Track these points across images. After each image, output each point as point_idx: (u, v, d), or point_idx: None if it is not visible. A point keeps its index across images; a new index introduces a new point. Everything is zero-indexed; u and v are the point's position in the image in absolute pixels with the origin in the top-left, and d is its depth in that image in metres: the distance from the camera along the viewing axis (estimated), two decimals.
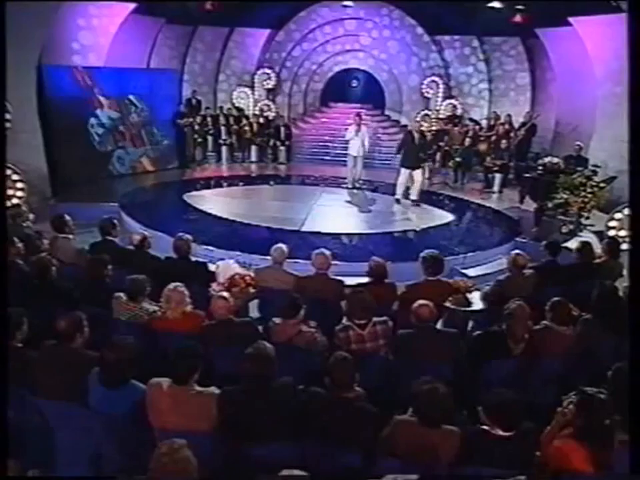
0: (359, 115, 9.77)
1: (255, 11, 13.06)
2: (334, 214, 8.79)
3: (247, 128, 12.19)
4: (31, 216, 6.69)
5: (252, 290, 4.79)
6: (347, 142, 13.68)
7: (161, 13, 11.80)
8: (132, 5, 10.52)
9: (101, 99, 9.77)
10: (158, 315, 3.98)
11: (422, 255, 4.61)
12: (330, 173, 11.86)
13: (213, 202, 9.19)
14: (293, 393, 2.88)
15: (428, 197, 10.26)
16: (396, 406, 2.90)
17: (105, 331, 3.92)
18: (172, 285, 3.82)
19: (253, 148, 12.54)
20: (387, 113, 14.82)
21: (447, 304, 4.60)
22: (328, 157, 13.26)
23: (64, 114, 9.34)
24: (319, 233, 7.63)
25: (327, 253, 4.56)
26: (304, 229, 7.78)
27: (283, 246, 4.75)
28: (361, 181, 10.22)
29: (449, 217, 8.93)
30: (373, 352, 3.59)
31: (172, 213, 8.48)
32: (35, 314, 3.52)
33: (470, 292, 4.88)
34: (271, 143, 12.70)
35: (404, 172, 9.39)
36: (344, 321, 3.74)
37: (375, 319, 3.57)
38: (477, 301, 4.89)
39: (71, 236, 5.12)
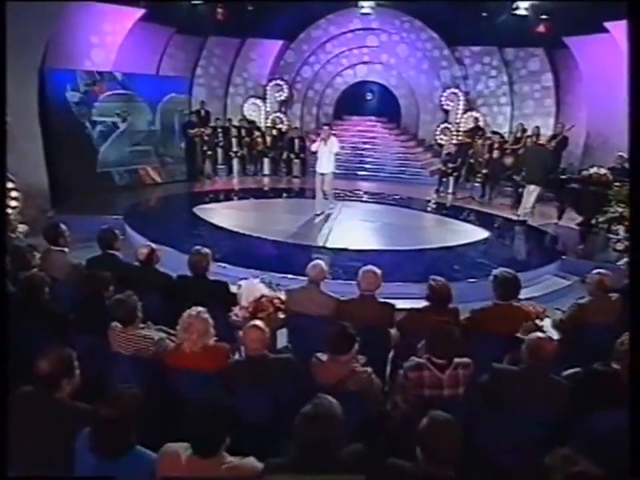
0: (328, 124, 9.01)
1: (267, 22, 12.49)
2: (358, 229, 7.98)
3: (259, 140, 11.47)
4: (22, 227, 5.92)
5: (281, 315, 3.95)
6: (361, 154, 13.43)
7: (171, 21, 11.22)
8: (141, 11, 9.94)
9: (106, 105, 9.05)
10: (169, 344, 3.14)
11: (493, 273, 3.78)
12: (348, 186, 11.11)
13: (225, 215, 8.40)
14: (366, 466, 2.02)
15: (456, 212, 9.49)
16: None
17: (102, 369, 3.08)
18: (193, 311, 2.98)
19: (266, 161, 11.81)
20: (403, 126, 14.16)
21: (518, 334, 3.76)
22: (343, 170, 12.50)
23: (66, 120, 8.64)
24: (345, 249, 6.81)
25: (377, 271, 3.72)
26: (329, 244, 6.94)
27: (322, 262, 3.92)
28: (330, 205, 8.37)
29: (482, 232, 8.11)
30: (450, 400, 2.73)
31: (181, 226, 7.68)
32: (20, 345, 2.71)
33: (541, 319, 4.05)
34: (284, 155, 11.97)
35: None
36: (413, 357, 2.87)
37: (456, 359, 2.72)
38: (548, 329, 4.07)
39: (66, 249, 4.31)
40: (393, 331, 3.87)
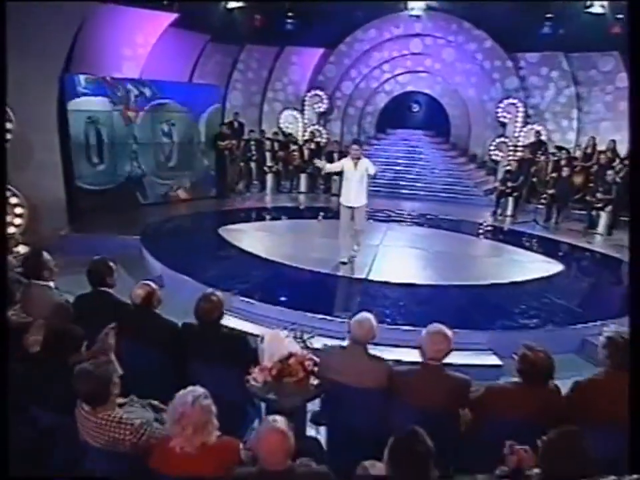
0: (358, 142, 6.50)
1: (307, 29, 11.86)
2: (406, 258, 6.98)
3: (295, 154, 10.69)
4: (22, 248, 5.27)
5: (314, 382, 3.02)
6: (407, 171, 12.44)
7: (205, 28, 10.72)
8: (173, 15, 9.44)
9: (132, 114, 8.50)
10: (155, 432, 2.28)
11: (606, 335, 2.75)
12: (392, 206, 10.16)
13: (255, 238, 7.60)
14: None
15: (517, 238, 8.35)
16: None
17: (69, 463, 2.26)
18: (189, 395, 2.10)
19: (302, 177, 11.01)
20: (452, 140, 13.13)
21: None
22: (387, 189, 11.59)
23: (88, 131, 8.09)
24: (391, 283, 5.84)
25: (448, 332, 2.76)
26: (372, 276, 5.99)
27: (370, 316, 2.97)
28: (355, 247, 6.32)
29: (552, 265, 6.93)
30: None
31: (203, 250, 6.88)
32: None
33: None
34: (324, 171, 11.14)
35: None
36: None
37: None
38: None
39: (51, 283, 3.55)
40: (464, 412, 2.88)
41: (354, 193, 5.78)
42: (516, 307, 5.38)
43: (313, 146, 11.39)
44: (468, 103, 12.55)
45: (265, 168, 10.78)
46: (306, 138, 11.90)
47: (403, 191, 11.46)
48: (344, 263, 6.09)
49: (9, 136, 5.47)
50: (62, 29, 7.18)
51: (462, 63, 12.15)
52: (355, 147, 5.89)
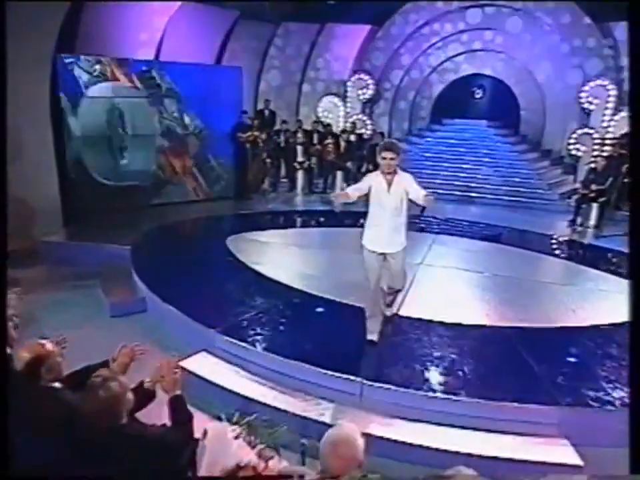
0: (390, 147, 3.74)
1: (352, 4, 10.71)
2: (453, 283, 5.68)
3: (330, 147, 9.56)
4: None
5: None
6: (464, 169, 10.94)
7: (235, 3, 9.81)
8: None
9: (138, 100, 7.69)
10: None
11: None
12: (442, 211, 8.82)
13: (272, 252, 6.53)
14: None
15: (601, 258, 6.80)
16: None
17: None
18: None
19: (339, 174, 9.87)
20: (522, 132, 11.52)
21: None
22: (440, 189, 10.23)
23: (85, 120, 7.37)
24: (427, 322, 4.61)
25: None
26: (404, 311, 4.77)
27: (352, 431, 1.83)
28: (388, 312, 4.55)
29: None
30: None
31: (203, 270, 5.82)
32: None
33: None
34: (364, 168, 9.93)
35: None
36: None
37: None
38: None
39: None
40: None
41: (387, 230, 3.74)
42: (602, 366, 4.02)
43: (353, 138, 10.21)
44: (543, 85, 10.90)
45: (295, 164, 9.72)
46: (343, 128, 10.72)
47: (458, 193, 10.05)
48: (373, 342, 4.05)
49: None
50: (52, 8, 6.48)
51: (539, 39, 10.50)
52: (388, 154, 3.59)
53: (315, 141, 10.16)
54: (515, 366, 3.97)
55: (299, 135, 9.75)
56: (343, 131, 10.28)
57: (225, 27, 10.17)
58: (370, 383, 3.66)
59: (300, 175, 9.81)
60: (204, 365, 4.14)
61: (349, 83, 11.42)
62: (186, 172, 8.39)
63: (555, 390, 3.65)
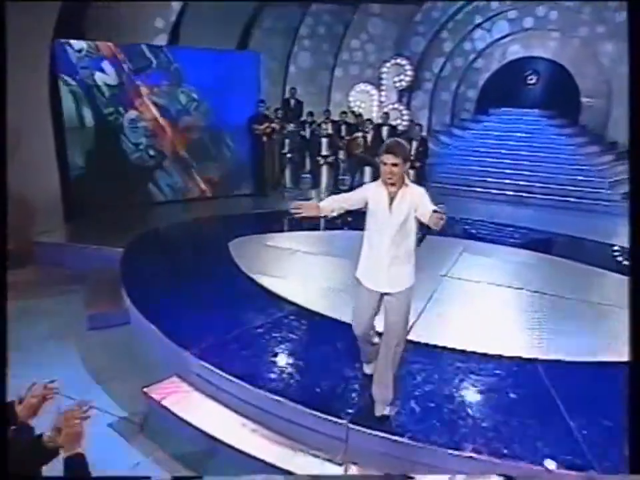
0: (392, 150, 2.81)
1: None
2: (481, 303, 4.95)
3: (359, 140, 8.93)
4: None
5: None
6: (512, 165, 10.02)
7: None
8: None
9: (143, 89, 7.35)
10: None
11: None
12: (483, 213, 8.07)
13: (282, 259, 5.97)
14: None
15: None
16: None
17: None
18: None
19: (367, 171, 9.23)
20: (582, 122, 10.48)
21: None
22: (481, 188, 9.44)
23: (88, 110, 7.09)
24: (443, 348, 3.96)
25: None
26: (418, 334, 4.10)
27: None
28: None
29: None
30: None
31: (195, 281, 5.24)
32: None
33: None
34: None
35: None
36: None
37: None
38: None
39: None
40: None
41: (387, 261, 2.92)
42: None
43: (385, 130, 9.54)
44: (608, 67, 9.83)
45: (319, 158, 9.16)
46: (379, 121, 10.03)
47: (501, 192, 9.21)
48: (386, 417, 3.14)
49: None
50: None
51: (593, 8, 9.45)
52: (389, 158, 2.77)
53: (343, 133, 9.58)
54: (544, 413, 3.27)
55: (324, 126, 9.18)
56: (377, 124, 9.60)
57: (249, 8, 9.72)
58: (357, 427, 3.10)
59: (324, 171, 9.24)
60: (172, 393, 3.70)
61: (384, 69, 10.74)
62: (196, 167, 8.00)
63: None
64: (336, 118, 9.66)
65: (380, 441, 3.05)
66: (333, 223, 7.62)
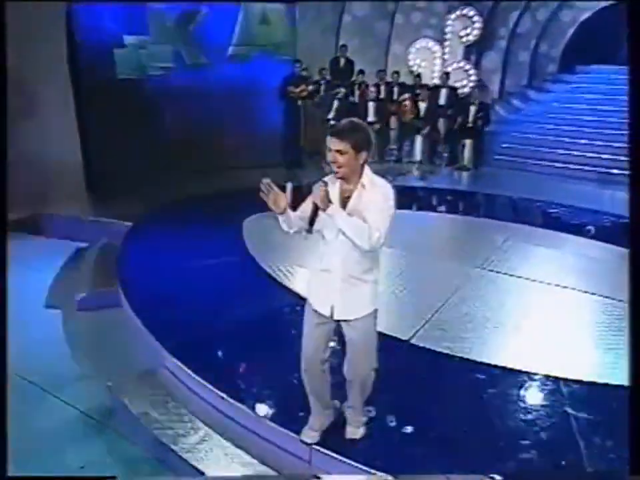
0: (337, 132, 2.25)
1: None
2: (516, 301, 4.34)
3: (407, 105, 8.26)
4: None
5: None
6: (596, 133, 8.79)
7: None
8: None
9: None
10: None
11: None
12: (548, 194, 7.22)
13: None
14: None
15: None
16: None
17: None
18: None
19: (418, 140, 8.56)
20: None
21: None
22: (556, 162, 8.47)
23: (109, 73, 7.02)
24: (461, 359, 3.46)
25: None
26: (420, 339, 3.62)
27: None
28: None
29: None
30: None
31: (198, 271, 4.86)
32: None
33: None
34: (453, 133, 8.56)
35: None
36: None
37: None
38: None
39: None
40: None
41: (339, 279, 2.40)
42: None
43: (444, 94, 8.78)
44: None
45: None
46: (437, 82, 9.29)
47: (580, 167, 8.22)
48: (306, 443, 2.74)
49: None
50: None
51: None
52: (334, 142, 2.23)
53: (396, 96, 8.95)
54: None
55: (372, 89, 8.57)
56: (435, 86, 8.85)
57: None
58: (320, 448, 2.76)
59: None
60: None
61: (448, 21, 9.84)
62: (225, 133, 7.74)
63: None
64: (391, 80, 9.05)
65: (342, 465, 2.70)
66: None
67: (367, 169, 2.33)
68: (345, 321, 2.47)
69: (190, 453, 3.02)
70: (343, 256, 2.36)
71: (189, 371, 3.42)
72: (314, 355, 2.57)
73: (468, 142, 8.18)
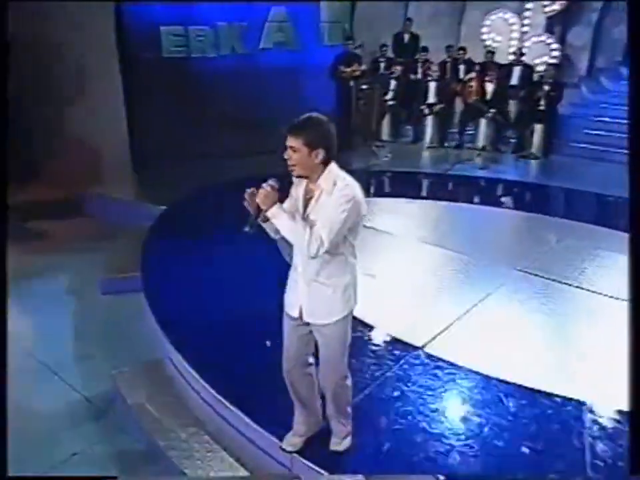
0: (293, 129, 2.15)
1: None
2: (554, 312, 3.98)
3: (472, 86, 7.80)
4: None
5: None
6: None
7: None
8: None
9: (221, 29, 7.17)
10: None
11: None
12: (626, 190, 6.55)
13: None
14: None
15: None
16: None
17: None
18: None
19: (483, 123, 8.09)
20: None
21: None
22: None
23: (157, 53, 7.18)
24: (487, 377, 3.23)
25: None
26: (433, 347, 3.42)
27: None
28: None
29: None
30: None
31: (218, 265, 4.89)
32: None
33: None
34: (522, 116, 8.02)
35: None
36: None
37: None
38: None
39: None
40: None
41: (303, 283, 2.34)
42: None
43: (517, 73, 8.21)
44: None
45: (423, 107, 8.22)
46: (511, 59, 8.69)
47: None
48: (285, 451, 2.72)
49: None
50: None
51: None
52: (290, 140, 2.15)
53: (462, 75, 8.51)
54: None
55: (434, 67, 8.18)
56: (508, 63, 8.25)
57: None
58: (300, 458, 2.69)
59: (430, 122, 8.29)
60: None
61: None
62: (269, 116, 7.70)
63: None
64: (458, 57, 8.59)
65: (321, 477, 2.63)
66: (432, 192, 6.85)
67: (332, 169, 2.20)
68: (314, 325, 2.40)
69: (174, 450, 3.08)
70: (305, 259, 2.26)
71: (190, 368, 3.46)
72: (294, 357, 2.52)
73: (538, 127, 7.60)
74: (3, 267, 2.32)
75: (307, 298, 2.34)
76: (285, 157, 2.18)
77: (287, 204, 2.30)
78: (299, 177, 2.22)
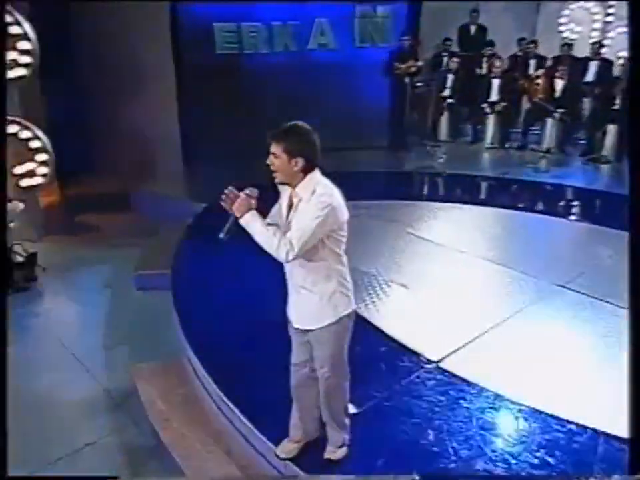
0: (273, 136, 2.22)
1: None
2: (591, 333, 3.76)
3: (539, 84, 7.45)
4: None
5: None
6: None
7: None
8: None
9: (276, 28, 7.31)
10: None
11: None
12: None
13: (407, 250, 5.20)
14: None
15: None
16: None
17: None
18: None
19: (549, 123, 7.70)
20: None
21: None
22: None
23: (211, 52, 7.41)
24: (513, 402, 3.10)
25: None
26: (449, 363, 3.33)
27: None
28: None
29: None
30: None
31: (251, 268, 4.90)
32: None
33: None
34: (596, 117, 7.58)
35: None
36: None
37: None
38: None
39: None
40: None
41: (291, 289, 2.50)
42: None
43: (593, 68, 7.76)
44: None
45: (485, 105, 7.94)
46: (589, 54, 8.21)
47: None
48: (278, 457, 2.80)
49: None
50: None
51: None
52: (272, 145, 2.24)
53: (532, 70, 8.16)
54: None
55: (497, 63, 7.89)
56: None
57: None
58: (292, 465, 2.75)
59: (491, 121, 8.01)
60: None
61: None
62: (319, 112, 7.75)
63: None
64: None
65: None
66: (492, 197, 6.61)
67: (313, 177, 2.29)
68: (306, 331, 2.51)
69: (177, 448, 3.22)
70: (290, 267, 2.39)
71: (199, 365, 3.61)
72: (297, 362, 2.64)
73: (612, 127, 7.14)
74: (2, 264, 2.46)
75: (296, 305, 2.49)
76: (268, 162, 2.28)
77: (273, 210, 2.46)
78: (280, 183, 2.33)
